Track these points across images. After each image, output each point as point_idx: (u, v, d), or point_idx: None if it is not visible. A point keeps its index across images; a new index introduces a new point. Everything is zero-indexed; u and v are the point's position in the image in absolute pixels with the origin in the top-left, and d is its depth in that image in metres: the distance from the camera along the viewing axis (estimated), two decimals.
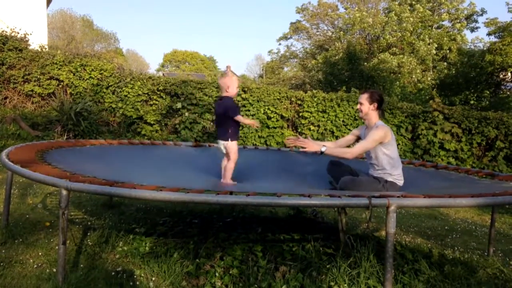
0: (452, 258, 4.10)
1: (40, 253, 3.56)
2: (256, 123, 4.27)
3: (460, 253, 4.45)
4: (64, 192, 2.94)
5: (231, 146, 4.16)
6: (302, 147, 3.98)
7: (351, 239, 3.87)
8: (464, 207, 6.47)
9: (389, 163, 4.04)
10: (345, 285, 3.13)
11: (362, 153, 4.15)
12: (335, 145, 4.37)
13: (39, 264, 3.35)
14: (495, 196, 3.26)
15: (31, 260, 3.41)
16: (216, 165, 4.62)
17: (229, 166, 4.21)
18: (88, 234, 4.05)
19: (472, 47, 27.38)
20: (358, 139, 4.42)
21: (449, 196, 3.12)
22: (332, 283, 3.15)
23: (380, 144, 4.00)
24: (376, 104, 4.10)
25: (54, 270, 3.19)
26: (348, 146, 4.42)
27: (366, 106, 4.11)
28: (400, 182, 4.08)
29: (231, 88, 4.13)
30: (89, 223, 4.49)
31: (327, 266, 3.38)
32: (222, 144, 4.20)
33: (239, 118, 4.10)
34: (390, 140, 4.03)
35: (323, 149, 3.93)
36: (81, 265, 3.38)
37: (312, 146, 3.97)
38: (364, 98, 4.13)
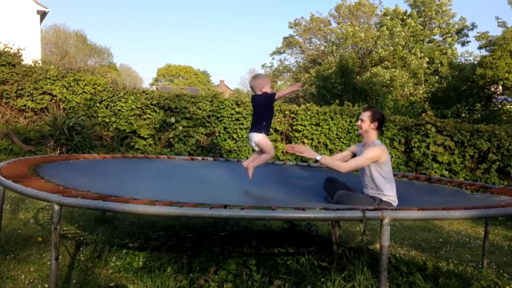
0: (446, 270, 4.10)
1: (32, 269, 3.52)
2: (297, 85, 4.23)
3: (455, 265, 4.45)
4: (56, 207, 2.92)
5: (263, 141, 4.11)
6: (300, 152, 3.96)
7: (345, 252, 3.86)
8: (458, 219, 6.49)
9: (382, 183, 3.99)
10: None
11: (355, 169, 4.12)
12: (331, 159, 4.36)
13: (31, 280, 3.32)
14: (488, 208, 3.28)
15: (22, 276, 3.37)
16: (210, 177, 4.59)
17: (263, 157, 4.16)
18: (81, 249, 4.02)
19: (463, 60, 27.71)
20: (354, 155, 4.40)
21: (443, 209, 3.13)
22: None
23: (374, 162, 3.97)
24: (376, 124, 4.07)
25: (46, 286, 3.15)
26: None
27: (367, 124, 4.08)
28: (395, 203, 4.04)
29: (266, 88, 4.14)
30: (81, 238, 4.45)
31: (322, 280, 3.37)
32: (254, 139, 4.13)
33: (280, 92, 4.19)
34: (385, 160, 4.00)
35: (318, 157, 3.92)
36: (74, 281, 3.34)
37: (309, 152, 3.95)
38: (366, 115, 4.10)
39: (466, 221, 7.07)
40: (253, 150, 4.36)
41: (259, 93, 4.14)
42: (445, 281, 3.54)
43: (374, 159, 3.95)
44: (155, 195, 3.34)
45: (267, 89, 4.15)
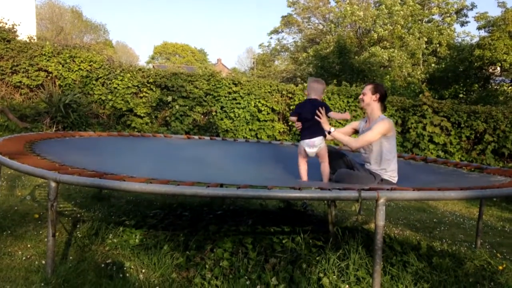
0: (440, 250, 4.14)
1: (29, 245, 3.54)
2: (348, 115, 4.09)
3: (448, 245, 4.50)
4: (53, 184, 2.92)
5: (324, 148, 4.04)
6: (319, 118, 3.90)
7: (340, 231, 3.89)
8: (453, 199, 6.54)
9: (387, 158, 3.98)
10: (334, 276, 3.15)
11: (366, 145, 4.08)
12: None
13: (28, 256, 3.34)
14: (483, 189, 3.29)
15: (19, 252, 3.39)
16: (206, 156, 4.57)
17: (325, 170, 4.06)
18: (78, 226, 4.04)
19: (459, 40, 27.51)
20: (355, 132, 4.38)
21: (438, 189, 3.14)
22: (321, 275, 3.17)
23: (382, 137, 3.97)
24: (378, 95, 4.05)
25: (43, 262, 3.17)
26: None
27: (368, 96, 4.07)
28: (395, 179, 4.03)
29: (321, 96, 4.12)
30: (78, 215, 4.47)
31: (317, 258, 3.40)
32: (318, 145, 3.98)
33: (332, 114, 4.04)
34: (392, 135, 4.00)
35: (332, 129, 3.92)
36: (71, 257, 3.37)
37: (325, 123, 3.92)
38: (367, 88, 4.11)
39: (460, 202, 7.13)
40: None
41: (318, 98, 4.05)
42: (439, 261, 3.58)
43: (383, 133, 3.93)
44: (152, 173, 3.34)
45: (321, 97, 4.11)
